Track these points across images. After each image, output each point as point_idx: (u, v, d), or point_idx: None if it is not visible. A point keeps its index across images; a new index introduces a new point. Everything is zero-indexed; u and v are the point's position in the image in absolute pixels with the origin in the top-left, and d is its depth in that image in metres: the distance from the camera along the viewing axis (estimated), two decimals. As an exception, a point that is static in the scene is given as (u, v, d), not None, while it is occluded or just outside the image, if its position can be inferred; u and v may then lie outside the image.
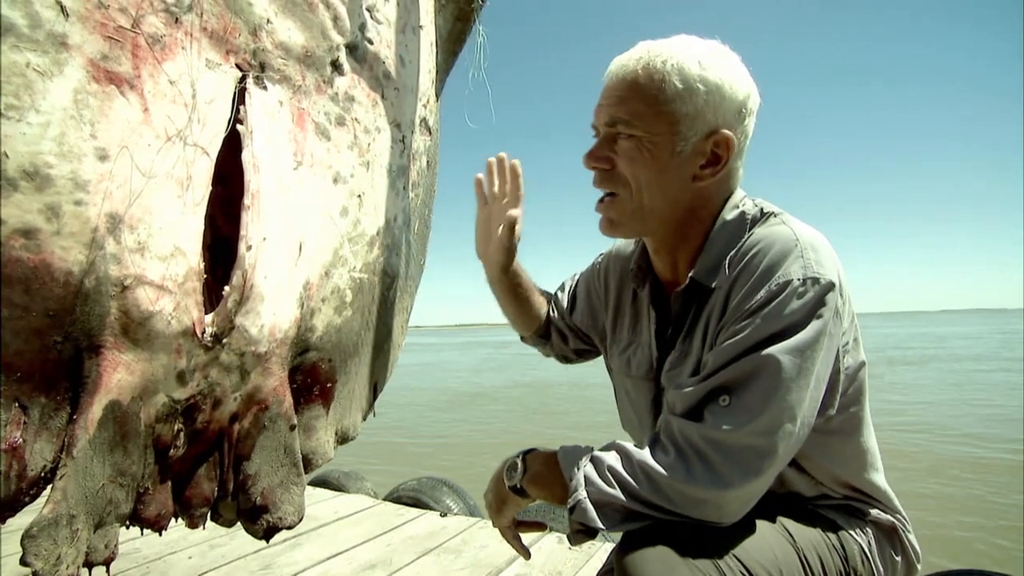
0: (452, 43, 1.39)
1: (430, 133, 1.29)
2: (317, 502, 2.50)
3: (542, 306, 1.14)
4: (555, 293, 1.18)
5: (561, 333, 1.14)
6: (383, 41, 1.07)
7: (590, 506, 0.70)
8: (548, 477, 0.79)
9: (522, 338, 1.19)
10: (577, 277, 1.15)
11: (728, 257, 0.77)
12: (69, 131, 0.65)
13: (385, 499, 2.69)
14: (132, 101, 0.71)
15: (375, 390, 1.20)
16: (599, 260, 1.08)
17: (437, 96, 1.35)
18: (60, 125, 0.64)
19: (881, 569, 0.80)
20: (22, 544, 0.64)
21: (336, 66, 0.98)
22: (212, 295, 0.88)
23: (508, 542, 0.90)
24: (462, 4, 1.34)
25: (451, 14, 1.34)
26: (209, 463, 0.88)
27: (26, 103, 0.62)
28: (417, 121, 1.20)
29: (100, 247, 0.68)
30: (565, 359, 1.18)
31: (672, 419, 0.72)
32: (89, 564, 0.74)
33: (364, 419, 1.18)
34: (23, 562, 0.64)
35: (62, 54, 0.64)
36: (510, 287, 1.08)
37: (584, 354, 1.16)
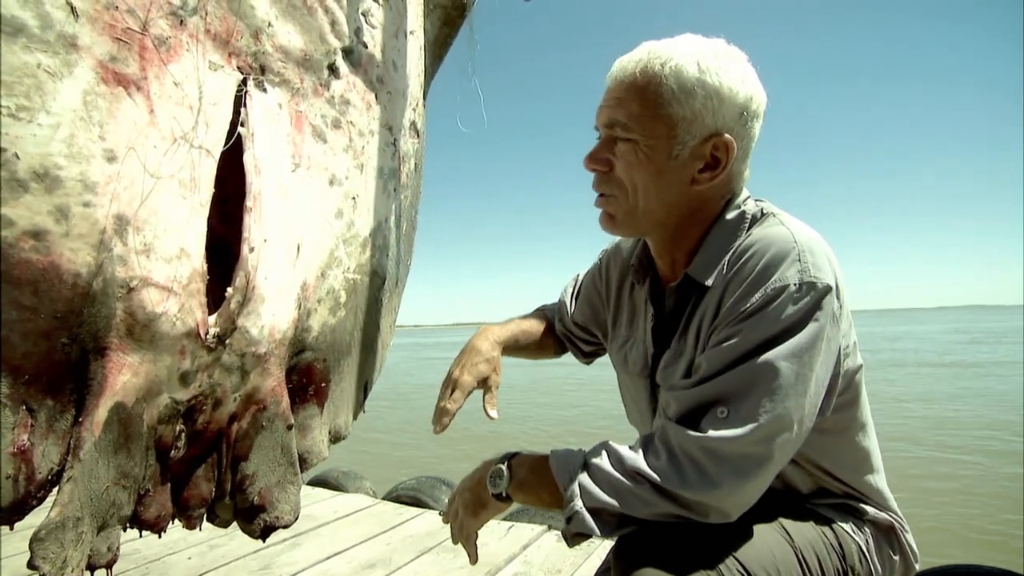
0: (438, 47, 1.41)
1: (418, 136, 1.31)
2: (316, 502, 2.49)
3: (549, 334, 1.15)
4: (560, 301, 1.17)
5: (570, 340, 1.14)
6: (377, 46, 1.08)
7: (588, 516, 0.69)
8: (536, 483, 0.77)
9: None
10: (581, 278, 1.14)
11: (725, 257, 0.76)
12: (79, 132, 0.65)
13: (384, 498, 2.69)
14: (139, 103, 0.71)
15: (366, 389, 1.22)
16: (602, 257, 1.07)
17: (423, 99, 1.37)
18: (70, 126, 0.64)
19: (879, 568, 0.80)
20: (30, 547, 0.64)
21: (333, 70, 0.99)
22: (209, 296, 0.88)
23: (463, 543, 0.85)
24: (449, 10, 1.37)
25: (438, 18, 1.36)
26: (207, 464, 0.88)
27: (37, 104, 0.61)
28: (407, 124, 1.22)
29: (108, 249, 0.68)
30: (585, 360, 1.19)
31: (668, 425, 0.71)
32: (92, 567, 0.73)
33: (355, 418, 1.19)
34: (31, 565, 0.64)
35: (72, 55, 0.64)
36: (518, 353, 1.10)
37: (595, 354, 1.15)
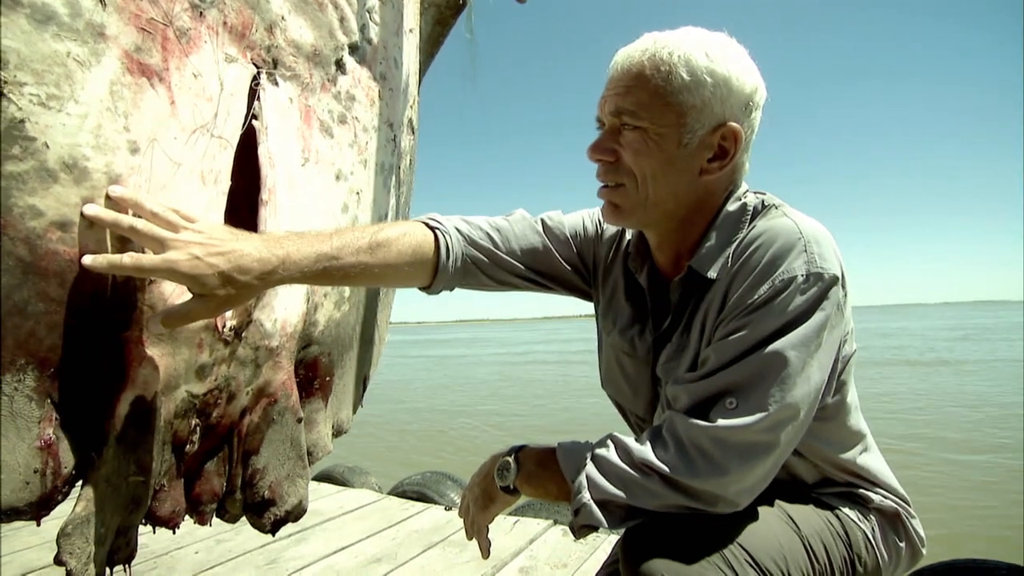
0: (430, 45, 1.43)
1: (413, 132, 1.32)
2: (322, 497, 2.48)
3: (421, 247, 0.85)
4: (517, 231, 0.94)
5: (506, 272, 0.93)
6: (380, 43, 1.09)
7: (595, 509, 0.69)
8: (543, 476, 0.76)
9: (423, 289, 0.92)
10: (567, 223, 0.98)
11: (729, 249, 0.76)
12: (105, 123, 0.64)
13: (389, 494, 2.69)
14: (161, 93, 0.71)
15: (364, 383, 1.22)
16: (600, 221, 0.97)
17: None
18: (97, 117, 0.63)
19: (885, 555, 0.80)
20: (58, 542, 0.63)
21: (340, 65, 0.99)
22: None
23: (476, 537, 0.87)
24: (442, 9, 1.39)
25: (431, 17, 1.38)
26: (218, 458, 0.88)
27: (66, 93, 0.61)
28: (406, 121, 1.23)
29: (130, 240, 0.68)
30: (486, 289, 0.96)
31: (676, 417, 0.70)
32: (112, 562, 0.73)
33: (354, 412, 1.20)
34: (57, 561, 0.63)
35: (100, 44, 0.63)
36: (337, 277, 0.78)
37: (502, 288, 0.96)
